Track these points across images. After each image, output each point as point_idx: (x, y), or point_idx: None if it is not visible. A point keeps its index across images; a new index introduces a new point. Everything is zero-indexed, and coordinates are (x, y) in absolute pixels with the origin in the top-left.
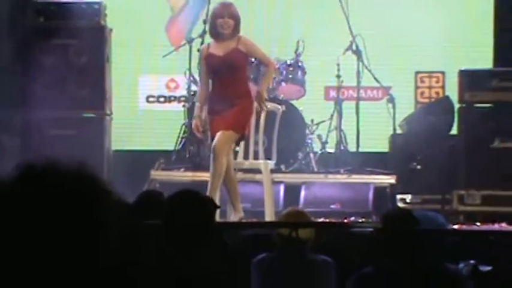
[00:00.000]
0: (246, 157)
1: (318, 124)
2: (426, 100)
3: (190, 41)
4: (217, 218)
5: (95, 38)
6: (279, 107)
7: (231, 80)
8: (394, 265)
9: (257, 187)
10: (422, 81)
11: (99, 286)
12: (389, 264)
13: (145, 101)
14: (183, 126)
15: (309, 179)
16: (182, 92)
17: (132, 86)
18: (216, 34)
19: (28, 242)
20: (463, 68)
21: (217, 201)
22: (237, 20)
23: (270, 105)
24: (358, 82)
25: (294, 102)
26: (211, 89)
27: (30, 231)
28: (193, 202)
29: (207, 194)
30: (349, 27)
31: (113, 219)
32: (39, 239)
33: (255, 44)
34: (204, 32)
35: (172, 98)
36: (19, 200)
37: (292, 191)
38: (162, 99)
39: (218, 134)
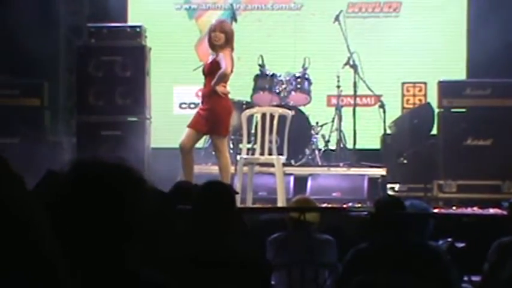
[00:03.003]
0: (262, 153)
1: (321, 126)
2: (411, 106)
3: None
4: (238, 204)
5: (137, 55)
6: (289, 111)
7: (208, 83)
8: (385, 242)
9: (271, 178)
10: (407, 90)
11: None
12: (381, 241)
13: (179, 107)
14: None
15: (315, 172)
16: None
17: (168, 95)
18: (211, 45)
19: (76, 219)
20: (441, 79)
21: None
22: (228, 34)
23: (282, 110)
24: (355, 91)
25: (301, 107)
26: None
27: (78, 212)
28: (218, 190)
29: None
30: (347, 46)
31: (147, 203)
32: (85, 218)
33: (226, 56)
34: None
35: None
36: (70, 187)
37: (301, 181)
38: (192, 105)
39: (215, 138)
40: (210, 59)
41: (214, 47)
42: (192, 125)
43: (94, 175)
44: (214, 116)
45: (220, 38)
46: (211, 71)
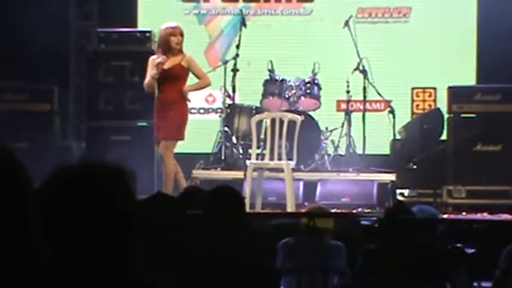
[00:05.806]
0: (271, 158)
1: (331, 131)
2: (421, 111)
3: (225, 63)
4: (247, 209)
5: (146, 60)
6: (299, 117)
7: (172, 88)
8: (393, 244)
9: (280, 183)
10: (417, 96)
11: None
12: (390, 243)
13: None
14: (219, 133)
15: (324, 177)
16: (218, 104)
17: None
18: (170, 49)
19: (67, 219)
20: (451, 85)
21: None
22: (183, 37)
23: (291, 116)
24: (364, 96)
25: (311, 113)
26: (157, 94)
27: (71, 214)
28: (227, 196)
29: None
30: (357, 51)
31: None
32: (76, 218)
33: (195, 63)
34: (237, 55)
35: (210, 110)
36: (61, 191)
37: (310, 186)
38: (202, 110)
39: (163, 144)
40: (171, 62)
41: (171, 49)
42: (162, 136)
43: (87, 181)
44: (182, 121)
45: (181, 41)
46: (178, 76)
